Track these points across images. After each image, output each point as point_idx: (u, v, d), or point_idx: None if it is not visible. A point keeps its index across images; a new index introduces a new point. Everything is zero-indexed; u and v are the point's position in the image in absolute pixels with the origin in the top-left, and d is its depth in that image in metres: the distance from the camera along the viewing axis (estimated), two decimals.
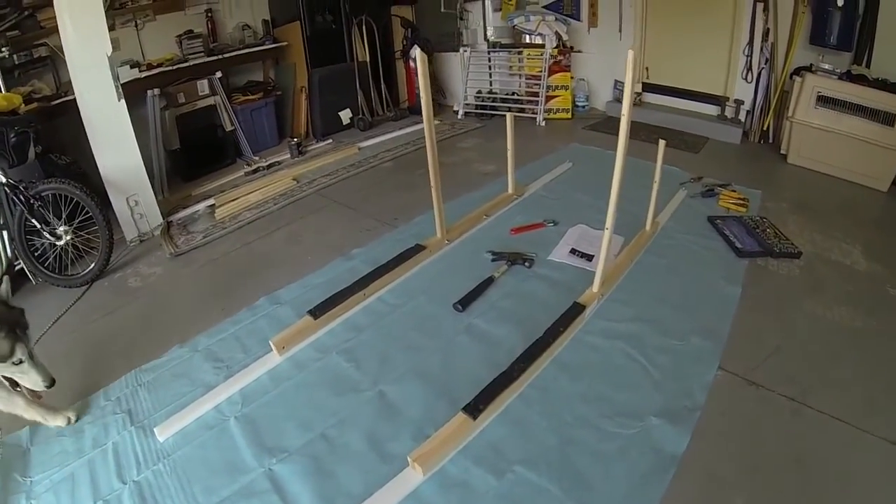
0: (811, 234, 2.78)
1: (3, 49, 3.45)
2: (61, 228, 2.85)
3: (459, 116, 5.12)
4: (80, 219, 2.91)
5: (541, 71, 4.64)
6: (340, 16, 4.95)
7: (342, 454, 1.60)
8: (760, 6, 3.79)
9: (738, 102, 4.14)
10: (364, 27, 4.98)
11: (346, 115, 5.11)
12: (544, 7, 4.93)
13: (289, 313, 2.26)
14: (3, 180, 2.71)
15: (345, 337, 2.07)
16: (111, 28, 4.41)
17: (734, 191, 3.17)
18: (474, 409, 1.65)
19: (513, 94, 4.97)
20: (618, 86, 4.71)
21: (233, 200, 3.83)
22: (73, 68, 3.15)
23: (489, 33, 5.03)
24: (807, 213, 3.01)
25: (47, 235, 2.81)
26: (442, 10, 5.23)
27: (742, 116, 4.16)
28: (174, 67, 4.42)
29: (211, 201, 3.85)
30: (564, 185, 3.47)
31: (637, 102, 4.63)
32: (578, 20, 4.88)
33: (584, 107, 4.92)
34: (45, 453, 1.76)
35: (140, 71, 4.33)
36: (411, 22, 5.27)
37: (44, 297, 2.77)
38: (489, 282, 2.43)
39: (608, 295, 2.30)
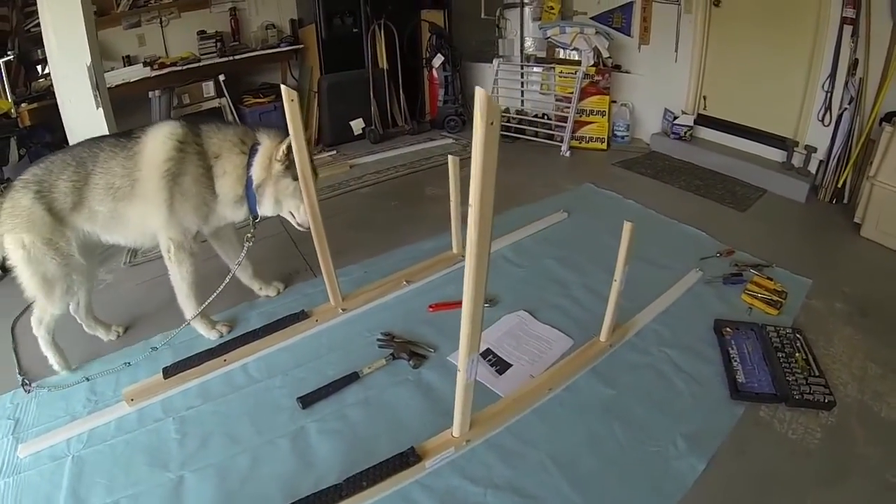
0: (863, 365, 1.83)
1: (10, 52, 3.40)
2: None
3: None
4: None
5: (572, 92, 3.84)
6: (361, 19, 4.52)
7: None
8: (848, 30, 2.79)
9: (810, 149, 3.13)
10: (384, 32, 4.51)
11: (357, 125, 4.57)
12: (593, 18, 4.10)
13: (167, 355, 1.99)
14: None
15: (191, 403, 1.80)
16: (136, 25, 4.39)
17: (770, 278, 2.24)
18: None
19: (543, 115, 4.17)
20: (668, 115, 3.79)
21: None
22: (55, 77, 3.20)
23: (526, 45, 4.31)
24: (868, 325, 2.03)
25: None
26: (482, 15, 4.59)
27: (813, 167, 3.15)
28: (184, 67, 4.23)
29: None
30: (542, 245, 2.66)
31: (686, 138, 3.71)
32: (628, 35, 4.00)
33: (623, 137, 4.01)
34: None
35: (152, 70, 4.20)
36: (441, 28, 4.62)
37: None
38: (352, 378, 1.83)
39: (483, 440, 1.58)
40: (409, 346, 1.96)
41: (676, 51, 3.71)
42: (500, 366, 1.90)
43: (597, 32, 3.71)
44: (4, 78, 3.27)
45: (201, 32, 4.32)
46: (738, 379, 1.74)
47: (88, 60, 3.09)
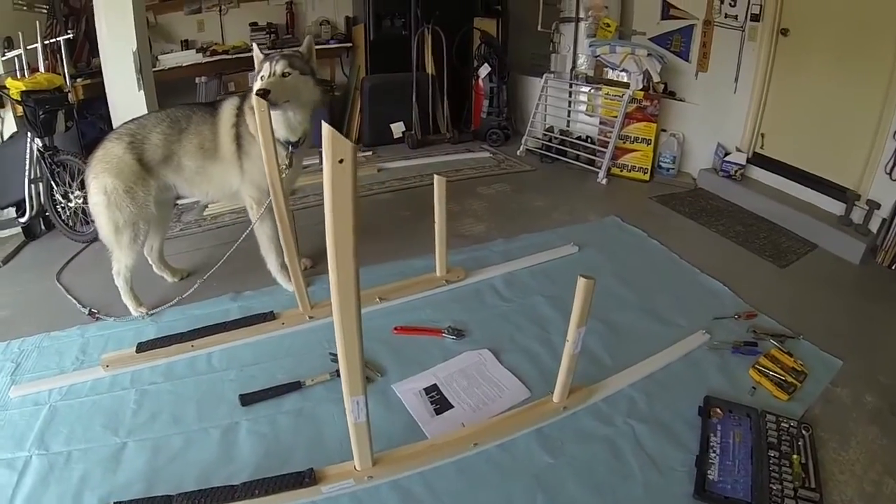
0: (879, 480, 1.46)
1: (70, 31, 3.61)
2: (73, 194, 3.11)
3: (519, 153, 4.21)
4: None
5: (616, 116, 3.56)
6: (410, 22, 4.45)
7: (56, 477, 1.54)
8: None
9: (873, 204, 2.67)
10: (432, 36, 4.40)
11: (398, 128, 4.52)
12: (651, 39, 3.78)
13: (150, 331, 2.17)
14: (39, 145, 3.07)
15: (154, 379, 1.92)
16: (197, 11, 4.57)
17: (791, 353, 1.88)
18: None
19: (587, 138, 3.89)
20: (720, 151, 3.41)
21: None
22: (104, 58, 3.47)
23: (578, 62, 4.05)
24: None
25: (59, 197, 3.13)
26: (539, 28, 4.40)
27: (874, 225, 2.68)
28: (234, 56, 4.36)
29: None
30: (538, 279, 2.43)
31: (737, 177, 3.32)
32: (686, 60, 3.65)
33: (669, 170, 3.64)
34: None
35: (204, 56, 4.35)
36: (491, 37, 4.45)
37: (58, 241, 3.18)
38: (295, 386, 1.80)
39: (390, 479, 1.46)
40: None
41: (736, 81, 3.34)
42: (441, 405, 1.73)
43: (649, 54, 3.41)
44: (64, 55, 3.47)
45: (253, 24, 4.44)
46: (710, 475, 1.44)
47: (134, 46, 3.31)
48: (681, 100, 3.70)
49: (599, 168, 3.66)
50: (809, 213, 2.93)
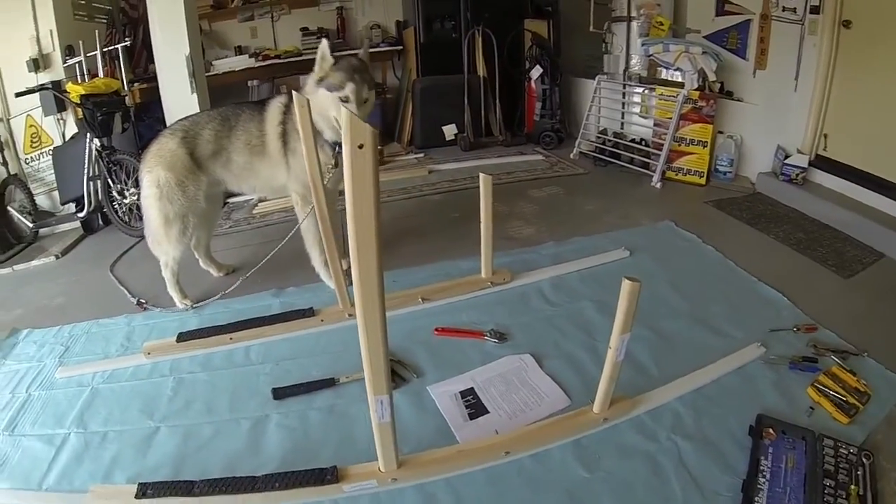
0: None
1: (127, 38, 3.81)
2: (129, 191, 3.32)
3: (572, 155, 4.11)
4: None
5: (671, 117, 3.40)
6: (461, 24, 4.42)
7: (90, 455, 1.62)
8: None
9: None
10: (482, 39, 4.36)
11: (450, 131, 4.53)
12: (706, 37, 3.59)
13: (193, 323, 2.27)
14: (97, 145, 3.29)
15: (192, 368, 1.98)
16: (250, 18, 4.73)
17: (854, 372, 1.69)
18: (147, 487, 1.41)
19: (641, 140, 3.75)
20: (780, 153, 3.18)
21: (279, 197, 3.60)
22: (159, 65, 3.68)
23: (632, 62, 3.91)
24: None
25: (116, 194, 3.36)
26: (591, 28, 4.28)
27: None
28: (286, 60, 4.48)
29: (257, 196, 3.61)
30: (587, 283, 2.32)
31: (798, 181, 3.10)
32: (743, 58, 3.43)
33: (726, 174, 3.43)
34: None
35: (256, 60, 4.49)
36: (542, 38, 4.37)
37: (114, 236, 3.41)
38: (329, 383, 1.78)
39: (415, 482, 1.40)
40: (395, 365, 1.83)
41: (797, 78, 3.11)
42: (476, 410, 1.66)
43: (704, 52, 3.23)
44: (121, 61, 3.65)
45: (304, 29, 4.55)
46: (757, 501, 1.32)
47: (187, 51, 3.45)
48: (738, 100, 3.49)
49: (654, 171, 3.51)
50: (876, 219, 2.67)
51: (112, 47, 3.65)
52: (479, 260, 2.32)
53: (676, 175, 3.51)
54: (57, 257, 3.27)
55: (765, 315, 2.06)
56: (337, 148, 2.12)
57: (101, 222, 3.60)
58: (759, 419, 1.54)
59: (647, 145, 3.70)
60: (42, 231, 3.60)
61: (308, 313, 2.13)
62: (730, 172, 3.41)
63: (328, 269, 2.30)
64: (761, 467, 1.40)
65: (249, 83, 4.41)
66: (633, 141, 3.81)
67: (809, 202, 2.98)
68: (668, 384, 1.71)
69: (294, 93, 1.95)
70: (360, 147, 0.89)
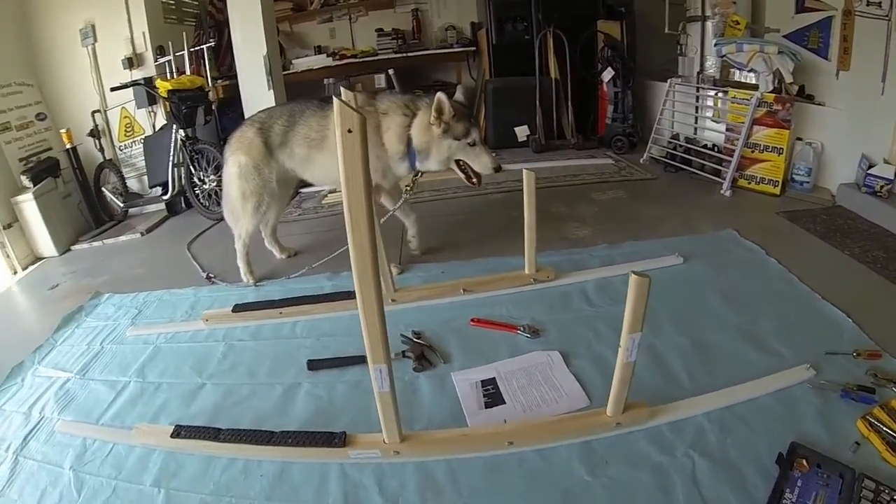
0: None
1: (212, 39, 4.13)
2: (209, 178, 3.65)
3: (642, 160, 3.96)
4: (219, 174, 3.52)
5: (744, 122, 3.17)
6: (532, 26, 4.38)
7: (143, 401, 1.87)
8: None
9: None
10: (553, 40, 4.30)
11: (522, 132, 4.51)
12: (786, 36, 3.30)
13: (251, 297, 2.50)
14: (182, 135, 3.61)
15: (242, 337, 2.19)
16: (329, 20, 4.95)
17: None
18: (181, 429, 1.62)
19: (714, 146, 3.51)
20: (863, 163, 2.85)
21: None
22: (239, 63, 4.02)
23: (707, 64, 3.70)
24: None
25: (197, 180, 3.67)
26: (666, 30, 4.11)
27: None
28: (361, 60, 4.64)
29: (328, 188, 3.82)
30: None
31: (882, 193, 2.77)
32: (825, 59, 3.12)
33: (803, 184, 3.13)
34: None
35: (333, 60, 4.70)
36: (615, 40, 4.23)
37: (194, 219, 3.76)
38: (360, 360, 1.83)
39: (417, 459, 1.45)
40: (425, 349, 1.92)
41: (884, 80, 2.77)
42: (493, 399, 1.67)
43: (780, 52, 2.99)
44: (206, 60, 3.96)
45: (379, 30, 4.70)
46: None
47: (265, 51, 3.67)
48: (819, 104, 3.19)
49: (724, 179, 3.30)
50: None
51: (198, 47, 3.98)
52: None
53: (749, 183, 3.27)
54: (142, 234, 3.63)
55: (823, 336, 1.86)
56: (418, 173, 2.37)
57: (183, 205, 3.94)
58: (793, 447, 1.39)
59: (719, 151, 3.47)
60: (131, 211, 4.02)
61: (353, 296, 2.20)
62: (807, 182, 3.13)
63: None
64: (784, 500, 1.26)
65: (325, 81, 4.63)
66: (704, 146, 3.59)
67: (894, 218, 2.66)
68: (697, 397, 1.61)
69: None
70: (349, 132, 1.00)
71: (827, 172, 3.17)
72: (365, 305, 1.20)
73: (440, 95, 2.12)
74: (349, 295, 2.21)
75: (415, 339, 1.98)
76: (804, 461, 1.34)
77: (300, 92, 4.22)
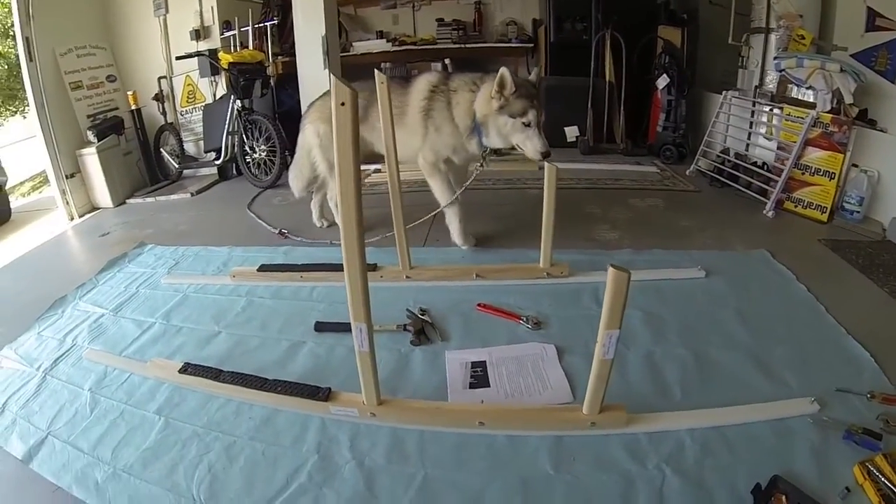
0: None
1: (276, 16, 4.27)
2: (259, 147, 3.81)
3: (688, 172, 3.79)
4: (269, 145, 3.80)
5: (796, 141, 2.96)
6: (591, 26, 4.27)
7: (164, 340, 2.03)
8: None
9: None
10: (611, 42, 4.17)
11: (571, 132, 4.41)
12: (853, 55, 3.07)
13: (280, 259, 2.67)
14: (239, 105, 3.77)
15: (263, 294, 2.30)
16: (393, 6, 5.01)
17: None
18: (188, 367, 1.74)
19: (763, 164, 3.31)
20: None
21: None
22: (298, 42, 4.10)
23: (768, 79, 3.49)
24: None
25: (248, 149, 3.85)
26: (730, 40, 3.90)
27: None
28: (420, 47, 4.68)
29: (378, 166, 3.89)
30: (647, 295, 2.13)
31: None
32: (892, 82, 2.88)
33: (853, 213, 2.88)
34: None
35: (393, 45, 4.75)
36: (675, 47, 4.03)
37: (241, 186, 3.94)
38: None
39: (390, 424, 1.50)
40: (426, 326, 1.96)
41: None
42: (479, 381, 1.68)
43: (842, 70, 2.78)
44: (269, 36, 4.10)
45: (440, 19, 4.72)
46: None
47: (323, 31, 3.77)
48: (882, 130, 2.94)
49: (770, 198, 3.12)
50: None
51: (262, 24, 4.13)
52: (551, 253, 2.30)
53: (795, 207, 3.07)
54: (192, 195, 3.83)
55: (839, 372, 1.72)
56: (488, 150, 2.34)
57: (234, 171, 4.11)
58: (774, 481, 1.29)
59: (768, 170, 3.28)
60: (185, 172, 4.26)
61: (371, 268, 2.31)
62: (858, 212, 2.89)
63: (465, 237, 2.57)
64: None
65: (383, 65, 4.68)
66: (754, 164, 3.40)
67: None
68: (683, 411, 1.54)
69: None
70: (343, 105, 1.07)
71: (881, 204, 2.91)
72: (349, 265, 1.25)
73: (503, 69, 2.14)
74: (368, 267, 2.31)
75: (419, 315, 2.01)
76: (784, 497, 1.25)
77: (358, 74, 4.29)
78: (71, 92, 3.87)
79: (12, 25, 4.07)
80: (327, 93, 2.54)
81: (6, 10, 5.37)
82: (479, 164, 2.37)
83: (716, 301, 2.14)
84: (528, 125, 2.17)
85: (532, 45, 4.76)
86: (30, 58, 3.57)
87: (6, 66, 6.98)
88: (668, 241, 2.71)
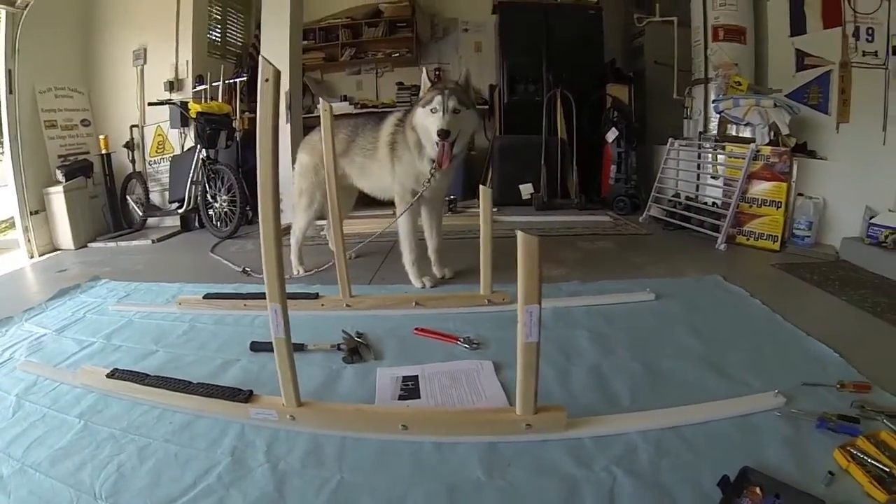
0: None
1: (246, 73, 4.36)
2: (221, 198, 3.74)
3: (641, 219, 3.75)
4: (231, 195, 3.73)
5: (740, 175, 2.95)
6: (543, 88, 4.41)
7: (101, 357, 1.91)
8: None
9: None
10: (561, 101, 4.28)
11: (526, 190, 4.40)
12: (788, 95, 3.15)
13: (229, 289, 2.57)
14: (203, 155, 3.74)
15: (205, 322, 2.19)
16: (357, 73, 5.18)
17: None
18: (116, 372, 1.66)
19: (713, 203, 3.30)
20: (867, 215, 2.61)
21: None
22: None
23: (711, 125, 3.58)
24: None
25: (210, 199, 3.76)
26: (674, 95, 4.05)
27: None
28: (380, 110, 4.75)
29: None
30: (592, 317, 2.00)
31: (888, 244, 2.48)
32: (825, 113, 2.96)
33: (804, 238, 2.86)
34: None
35: (355, 108, 4.85)
36: (621, 103, 4.20)
37: (203, 236, 3.81)
38: (298, 347, 1.74)
39: (310, 427, 1.36)
40: (360, 346, 1.81)
41: (885, 129, 2.59)
42: (409, 394, 1.50)
43: (776, 105, 2.85)
44: (238, 92, 4.16)
45: (399, 83, 4.86)
46: None
47: (287, 87, 3.78)
48: (822, 158, 2.98)
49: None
50: None
51: (232, 80, 4.19)
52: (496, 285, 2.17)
53: (747, 240, 3.02)
54: (153, 242, 3.70)
55: (802, 368, 1.58)
56: (433, 164, 2.21)
57: (196, 224, 3.98)
58: (744, 472, 1.11)
59: (718, 207, 3.27)
60: (149, 221, 4.12)
61: (312, 296, 2.25)
62: (808, 237, 2.85)
63: (416, 269, 2.44)
64: None
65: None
66: (704, 204, 3.39)
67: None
68: (632, 413, 1.36)
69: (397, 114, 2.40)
70: (266, 81, 1.14)
71: (830, 228, 2.90)
72: (265, 243, 1.21)
73: (424, 69, 2.24)
74: (308, 296, 2.25)
75: (354, 337, 1.84)
76: (757, 489, 1.07)
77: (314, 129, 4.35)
78: (45, 130, 3.83)
79: None
80: (315, 130, 2.55)
81: None
82: (427, 181, 2.24)
83: (667, 319, 2.00)
84: (434, 111, 2.08)
85: (488, 106, 4.87)
86: (9, 90, 3.55)
87: None
88: (618, 273, 2.60)
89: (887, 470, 1.11)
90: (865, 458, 1.15)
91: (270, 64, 1.15)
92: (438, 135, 2.04)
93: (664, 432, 1.28)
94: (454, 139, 2.11)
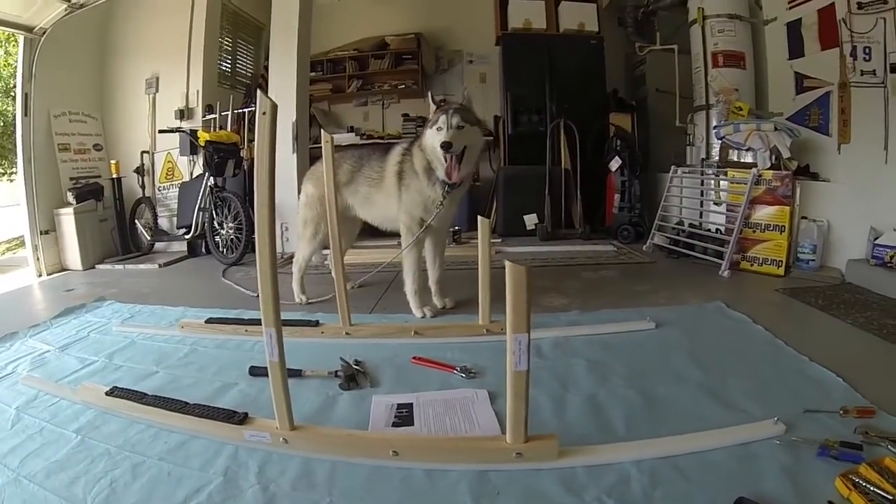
0: None
1: (252, 105, 4.45)
2: (227, 225, 3.78)
3: (645, 248, 3.72)
4: (237, 223, 3.76)
5: (742, 200, 2.93)
6: (546, 118, 4.45)
7: (101, 375, 1.93)
8: None
9: None
10: (565, 131, 4.31)
11: (530, 220, 4.40)
12: (789, 118, 3.16)
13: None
14: (211, 182, 3.79)
15: (207, 346, 2.21)
16: (363, 104, 5.27)
17: None
18: (115, 390, 1.69)
19: (717, 230, 3.28)
20: (871, 236, 2.57)
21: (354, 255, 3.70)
22: None
23: (713, 151, 3.58)
24: None
25: (217, 226, 3.86)
26: (677, 123, 4.07)
27: None
28: (385, 141, 4.81)
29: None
30: (591, 346, 1.98)
31: (893, 264, 2.45)
32: (826, 134, 2.96)
33: (809, 262, 2.82)
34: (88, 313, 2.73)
35: (361, 139, 4.92)
36: (625, 131, 4.22)
37: (209, 262, 3.84)
38: (296, 373, 1.79)
39: (303, 452, 1.35)
40: (357, 373, 1.80)
41: (886, 148, 2.57)
42: (403, 421, 1.49)
43: (777, 129, 2.85)
44: (246, 122, 4.26)
45: (405, 115, 4.93)
46: None
47: (294, 118, 3.85)
48: (825, 180, 2.96)
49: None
50: None
51: (241, 110, 4.29)
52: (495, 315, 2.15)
53: (751, 265, 2.99)
54: (159, 266, 3.75)
55: (804, 395, 1.54)
56: (447, 188, 2.23)
57: (203, 250, 4.03)
58: (739, 503, 1.08)
59: (721, 234, 3.24)
60: (157, 245, 4.19)
61: (313, 324, 2.27)
62: (813, 260, 2.81)
63: (418, 298, 2.42)
64: None
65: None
66: (708, 231, 3.37)
67: None
68: (626, 442, 1.33)
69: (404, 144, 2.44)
70: (264, 114, 1.18)
71: (836, 251, 2.86)
72: (261, 268, 1.23)
73: (429, 93, 2.33)
74: (309, 323, 2.28)
75: (352, 364, 1.83)
76: None
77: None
78: (58, 153, 3.94)
79: (14, 87, 4.22)
80: (321, 160, 2.51)
81: (12, 70, 5.53)
82: (439, 204, 2.27)
83: (666, 347, 1.98)
84: (440, 129, 2.14)
85: (492, 137, 4.91)
86: (25, 113, 3.66)
87: (2, 124, 6.93)
88: (619, 302, 2.57)
89: (890, 498, 1.08)
90: (868, 485, 1.11)
91: (268, 98, 1.19)
92: (442, 146, 2.08)
93: (659, 462, 1.25)
94: (461, 153, 2.14)
